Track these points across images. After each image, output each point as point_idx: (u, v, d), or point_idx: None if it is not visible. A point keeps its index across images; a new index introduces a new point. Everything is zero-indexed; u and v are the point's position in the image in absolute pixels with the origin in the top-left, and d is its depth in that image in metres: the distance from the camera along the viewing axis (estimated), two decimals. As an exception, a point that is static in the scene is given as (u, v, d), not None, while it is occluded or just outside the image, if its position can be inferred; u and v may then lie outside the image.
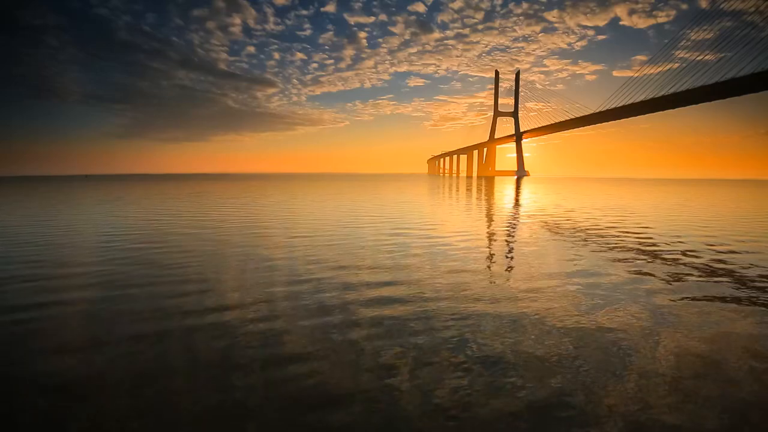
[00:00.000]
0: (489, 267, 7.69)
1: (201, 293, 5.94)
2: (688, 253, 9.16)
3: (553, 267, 7.68)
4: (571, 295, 5.88)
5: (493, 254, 8.95)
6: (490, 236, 11.65)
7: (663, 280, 6.75)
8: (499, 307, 5.33)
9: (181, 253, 8.95)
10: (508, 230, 12.87)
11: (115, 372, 3.62)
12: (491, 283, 6.55)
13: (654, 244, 10.27)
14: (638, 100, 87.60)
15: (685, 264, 8.00)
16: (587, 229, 13.07)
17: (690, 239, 11.12)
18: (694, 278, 6.88)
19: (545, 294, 5.93)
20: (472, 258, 8.48)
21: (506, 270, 7.44)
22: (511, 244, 10.24)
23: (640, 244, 10.39)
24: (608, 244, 10.30)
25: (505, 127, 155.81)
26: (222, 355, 3.94)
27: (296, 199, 27.84)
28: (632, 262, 8.18)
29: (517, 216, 17.19)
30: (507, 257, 8.65)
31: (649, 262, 8.20)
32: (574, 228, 13.42)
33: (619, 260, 8.29)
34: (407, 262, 8.06)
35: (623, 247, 9.95)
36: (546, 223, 14.92)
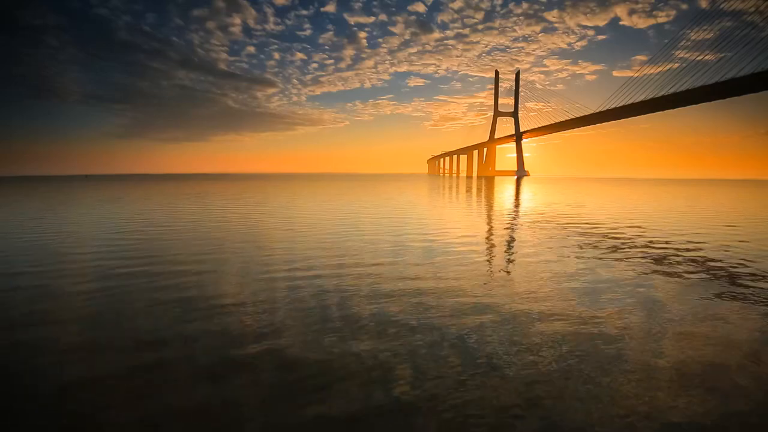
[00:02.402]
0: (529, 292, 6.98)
1: (200, 299, 5.92)
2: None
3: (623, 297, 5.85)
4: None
5: (524, 273, 7.82)
6: (511, 246, 10.78)
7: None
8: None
9: (181, 259, 8.92)
10: (525, 239, 11.39)
11: (113, 380, 3.60)
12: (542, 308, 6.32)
13: (707, 260, 8.53)
14: (638, 100, 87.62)
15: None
16: (618, 238, 12.47)
17: (736, 248, 10.02)
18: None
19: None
20: (495, 270, 8.33)
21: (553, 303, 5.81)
22: (536, 257, 8.65)
23: (676, 252, 9.39)
24: (647, 255, 8.99)
25: (505, 127, 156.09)
26: (223, 368, 3.92)
27: (298, 200, 27.77)
28: (680, 275, 7.14)
29: (529, 221, 16.34)
30: (540, 278, 6.90)
31: (710, 279, 6.84)
32: (600, 235, 12.88)
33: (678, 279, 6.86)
34: (415, 274, 7.88)
35: (658, 258, 9.59)
36: (566, 228, 14.51)
